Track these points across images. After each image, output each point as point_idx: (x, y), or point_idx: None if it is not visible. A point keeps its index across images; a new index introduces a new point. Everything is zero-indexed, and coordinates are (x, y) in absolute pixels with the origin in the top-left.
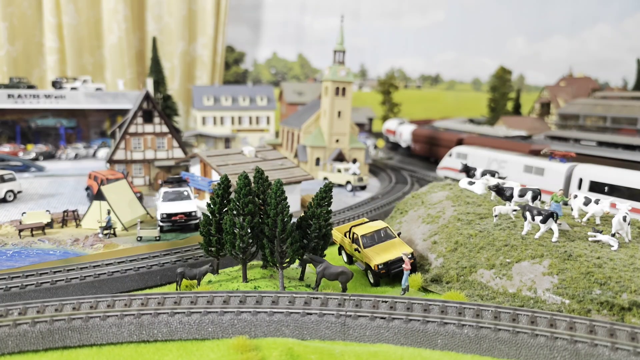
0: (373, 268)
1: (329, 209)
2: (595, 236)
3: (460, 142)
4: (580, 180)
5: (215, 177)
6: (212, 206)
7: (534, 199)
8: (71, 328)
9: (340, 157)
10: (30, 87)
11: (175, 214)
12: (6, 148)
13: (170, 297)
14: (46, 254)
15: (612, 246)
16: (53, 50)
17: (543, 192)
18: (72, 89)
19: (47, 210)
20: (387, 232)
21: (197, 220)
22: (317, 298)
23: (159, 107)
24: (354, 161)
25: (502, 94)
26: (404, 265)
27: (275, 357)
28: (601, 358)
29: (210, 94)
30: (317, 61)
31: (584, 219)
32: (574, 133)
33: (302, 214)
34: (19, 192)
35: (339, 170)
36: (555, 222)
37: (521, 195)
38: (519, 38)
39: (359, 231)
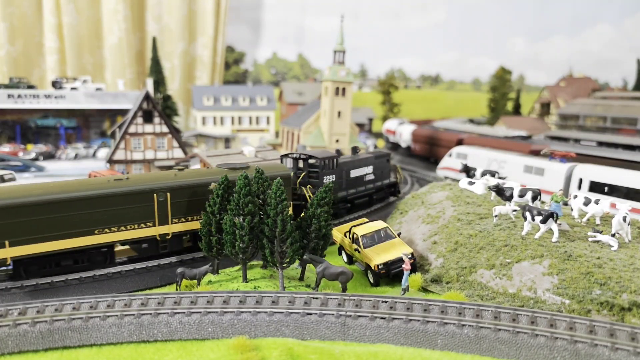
0: (373, 268)
1: (329, 209)
2: (595, 236)
3: (460, 142)
4: (580, 181)
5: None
6: (212, 206)
7: (534, 199)
8: (71, 328)
9: None
10: (30, 87)
11: None
12: (6, 148)
13: (170, 297)
14: None
15: (612, 246)
16: (53, 50)
17: (543, 192)
18: (72, 89)
19: None
20: (387, 232)
21: None
22: (317, 298)
23: (159, 107)
24: None
25: (502, 94)
26: (404, 266)
27: (275, 357)
28: (601, 358)
29: (210, 94)
30: (317, 61)
31: (584, 219)
32: (574, 133)
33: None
34: None
35: None
36: (555, 222)
37: (521, 196)
38: (519, 38)
39: (359, 231)
